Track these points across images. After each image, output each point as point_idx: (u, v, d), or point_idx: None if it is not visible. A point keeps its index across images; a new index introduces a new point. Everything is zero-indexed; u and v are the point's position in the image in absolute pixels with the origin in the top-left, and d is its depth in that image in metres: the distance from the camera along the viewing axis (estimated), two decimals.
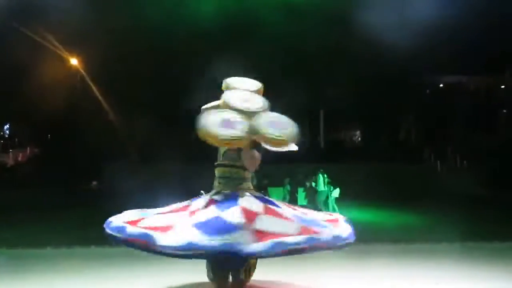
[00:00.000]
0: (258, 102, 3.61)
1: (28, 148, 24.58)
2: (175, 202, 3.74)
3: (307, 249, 3.08)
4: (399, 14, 15.08)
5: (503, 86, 25.20)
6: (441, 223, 8.85)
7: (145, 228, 3.12)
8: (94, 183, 18.53)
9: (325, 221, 3.55)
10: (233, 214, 3.17)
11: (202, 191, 3.71)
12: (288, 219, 3.30)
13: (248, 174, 3.63)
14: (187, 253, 2.90)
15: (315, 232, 3.14)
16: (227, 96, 3.60)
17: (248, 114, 3.44)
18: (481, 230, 7.99)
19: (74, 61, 18.78)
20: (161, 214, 3.43)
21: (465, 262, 5.70)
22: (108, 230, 3.31)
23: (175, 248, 2.87)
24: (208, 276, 3.70)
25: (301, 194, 12.02)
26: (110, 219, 3.44)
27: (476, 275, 4.94)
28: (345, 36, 17.83)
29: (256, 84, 3.90)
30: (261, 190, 3.86)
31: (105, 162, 17.65)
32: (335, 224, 3.51)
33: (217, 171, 3.64)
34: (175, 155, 15.32)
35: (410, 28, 14.44)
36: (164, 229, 3.06)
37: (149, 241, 2.98)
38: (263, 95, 3.86)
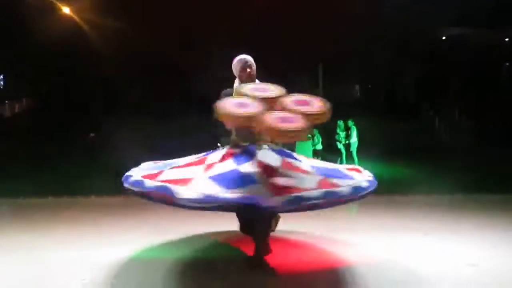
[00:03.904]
0: (272, 90, 3.46)
1: (24, 100, 24.39)
2: (181, 154, 3.77)
3: (325, 203, 3.03)
4: None
5: (507, 39, 24.71)
6: (434, 176, 9.00)
7: (164, 181, 3.11)
8: (92, 134, 18.54)
9: (348, 169, 3.51)
10: (250, 167, 3.16)
11: (219, 144, 3.70)
12: (307, 172, 3.25)
13: None
14: (205, 205, 2.91)
15: (334, 185, 3.05)
16: (241, 87, 3.53)
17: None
18: (474, 183, 8.14)
19: (66, 10, 18.19)
20: (178, 167, 3.43)
21: (455, 214, 5.85)
22: (126, 184, 3.31)
23: (193, 201, 2.87)
24: (241, 229, 3.78)
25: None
26: (128, 173, 3.44)
27: (465, 227, 5.06)
28: None
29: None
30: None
31: (104, 113, 17.61)
32: (357, 173, 3.48)
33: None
34: (182, 108, 15.29)
35: None
36: (182, 182, 3.07)
37: (168, 194, 2.97)
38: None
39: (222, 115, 3.19)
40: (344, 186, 3.08)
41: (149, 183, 3.14)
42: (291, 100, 3.30)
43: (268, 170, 3.14)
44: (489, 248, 4.21)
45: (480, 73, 20.59)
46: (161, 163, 3.66)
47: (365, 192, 3.20)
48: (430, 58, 22.46)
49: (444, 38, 24.89)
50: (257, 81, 3.77)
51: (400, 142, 14.86)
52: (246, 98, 3.33)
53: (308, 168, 3.33)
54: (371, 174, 3.50)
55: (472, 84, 20.74)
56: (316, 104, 3.28)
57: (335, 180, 3.15)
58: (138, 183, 3.20)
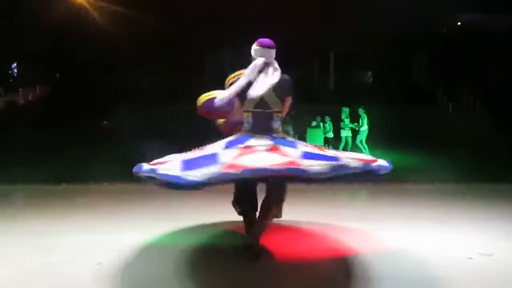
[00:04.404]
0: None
1: (38, 87, 24.61)
2: (183, 143, 3.79)
3: (261, 177, 3.13)
4: None
5: None
6: (449, 165, 8.90)
7: (154, 164, 3.26)
8: (105, 122, 18.67)
9: (355, 158, 3.23)
10: (228, 152, 3.18)
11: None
12: (283, 154, 3.13)
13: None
14: (147, 176, 3.06)
15: (293, 164, 2.91)
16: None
17: None
18: (489, 172, 8.04)
19: None
20: (183, 153, 3.48)
21: (469, 203, 5.81)
22: (134, 169, 3.38)
23: (140, 170, 3.14)
24: (236, 210, 3.87)
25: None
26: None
27: (480, 217, 5.01)
28: None
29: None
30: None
31: (117, 101, 17.70)
32: (368, 160, 3.24)
33: None
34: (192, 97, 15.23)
35: None
36: (161, 163, 3.25)
37: (137, 169, 3.20)
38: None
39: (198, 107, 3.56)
40: (307, 165, 2.89)
41: (145, 167, 3.22)
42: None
43: (245, 153, 3.13)
44: (504, 237, 4.16)
45: (496, 59, 20.15)
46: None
47: (348, 171, 2.91)
48: (444, 43, 22.06)
49: (459, 23, 24.39)
50: (275, 64, 3.64)
51: (413, 129, 14.69)
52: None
53: (291, 153, 3.17)
54: (380, 163, 3.18)
55: (487, 70, 20.33)
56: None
57: (306, 161, 2.98)
58: (138, 167, 3.27)
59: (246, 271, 3.35)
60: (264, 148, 3.24)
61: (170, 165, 3.13)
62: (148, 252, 3.85)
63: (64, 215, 5.23)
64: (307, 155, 3.13)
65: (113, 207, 5.67)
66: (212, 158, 3.09)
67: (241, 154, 3.13)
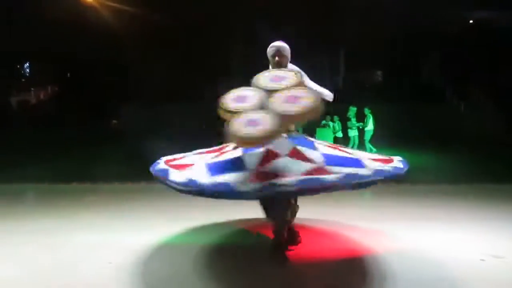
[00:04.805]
0: (289, 79, 3.35)
1: (49, 87, 24.87)
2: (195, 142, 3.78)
3: (303, 190, 2.88)
4: None
5: None
6: (459, 165, 8.81)
7: (171, 166, 3.22)
8: (114, 121, 18.82)
9: (373, 159, 3.24)
10: (252, 155, 3.12)
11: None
12: (308, 159, 3.11)
13: None
14: (187, 189, 2.92)
15: (322, 172, 2.88)
16: (258, 77, 3.42)
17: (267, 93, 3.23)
18: (500, 172, 7.93)
19: None
20: (197, 154, 3.48)
21: (481, 203, 5.72)
22: (151, 169, 3.43)
23: (177, 183, 2.95)
24: (265, 216, 3.76)
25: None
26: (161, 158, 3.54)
27: (491, 217, 4.95)
28: None
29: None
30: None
31: (126, 101, 17.80)
32: (385, 161, 3.22)
33: None
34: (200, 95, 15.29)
35: None
36: (183, 166, 3.14)
37: (163, 176, 3.11)
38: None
39: (220, 110, 3.14)
40: (335, 173, 2.88)
41: (159, 166, 3.25)
42: (283, 95, 3.15)
43: (270, 158, 3.07)
44: None
45: (507, 58, 19.89)
46: (191, 152, 3.68)
47: (360, 180, 2.90)
48: (455, 42, 21.83)
49: (471, 21, 24.11)
50: (289, 65, 3.74)
51: (423, 129, 14.56)
52: (249, 90, 3.25)
53: (314, 157, 3.15)
54: (400, 164, 3.21)
55: (499, 69, 20.07)
56: (304, 102, 3.04)
57: (332, 168, 2.96)
58: (154, 165, 3.30)
59: (261, 271, 3.35)
60: (286, 152, 3.17)
61: (195, 170, 3.05)
62: (160, 251, 3.86)
63: (74, 214, 5.27)
64: (331, 159, 3.13)
65: (123, 206, 5.70)
66: (238, 163, 3.06)
67: (266, 161, 3.06)
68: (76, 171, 8.42)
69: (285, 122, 2.98)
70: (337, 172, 2.90)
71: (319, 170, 2.95)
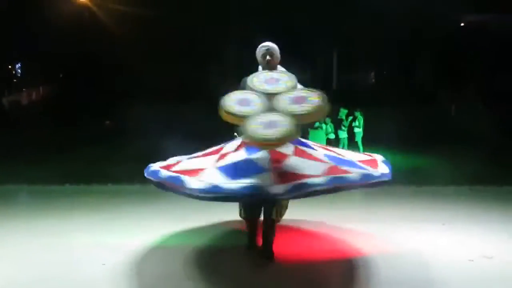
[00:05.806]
0: (284, 81, 3.40)
1: (41, 87, 24.69)
2: (193, 143, 3.78)
3: (331, 189, 2.97)
4: None
5: None
6: (453, 167, 8.89)
7: (177, 171, 3.18)
8: (108, 122, 18.73)
9: (361, 161, 3.41)
10: (260, 156, 3.17)
11: (235, 133, 3.69)
12: (318, 159, 3.22)
13: None
14: (211, 195, 2.91)
15: (343, 172, 3.01)
16: (251, 79, 3.45)
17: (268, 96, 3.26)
18: (493, 174, 8.02)
19: None
20: (195, 157, 3.49)
21: (473, 205, 5.81)
22: (146, 174, 3.42)
23: (200, 191, 2.89)
24: (240, 214, 3.81)
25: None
26: (151, 164, 3.51)
27: (483, 219, 5.02)
28: None
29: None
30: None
31: (119, 101, 17.68)
32: (371, 164, 3.38)
33: None
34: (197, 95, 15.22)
35: None
36: (194, 172, 3.12)
37: (178, 184, 3.04)
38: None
39: (221, 112, 3.15)
40: (353, 172, 3.03)
41: (164, 173, 3.23)
42: (289, 97, 3.20)
43: (279, 158, 3.14)
44: (507, 240, 4.17)
45: (500, 61, 20.09)
46: (184, 156, 3.68)
47: (376, 180, 3.11)
48: (448, 45, 22.00)
49: (462, 24, 24.31)
50: (279, 67, 3.75)
51: (417, 131, 14.65)
52: (250, 93, 3.28)
53: (320, 156, 3.30)
54: (387, 167, 3.39)
55: (491, 73, 20.28)
56: (311, 101, 3.12)
57: (345, 167, 3.11)
58: (155, 172, 3.30)
59: (252, 272, 3.38)
60: (291, 152, 3.24)
61: (209, 175, 3.04)
62: (154, 252, 3.88)
63: (69, 215, 5.27)
64: (334, 160, 3.24)
65: (118, 208, 5.70)
66: (252, 165, 3.09)
67: (276, 161, 3.12)
68: (69, 172, 8.37)
69: (298, 122, 3.05)
70: (355, 172, 3.04)
71: (335, 169, 3.05)
